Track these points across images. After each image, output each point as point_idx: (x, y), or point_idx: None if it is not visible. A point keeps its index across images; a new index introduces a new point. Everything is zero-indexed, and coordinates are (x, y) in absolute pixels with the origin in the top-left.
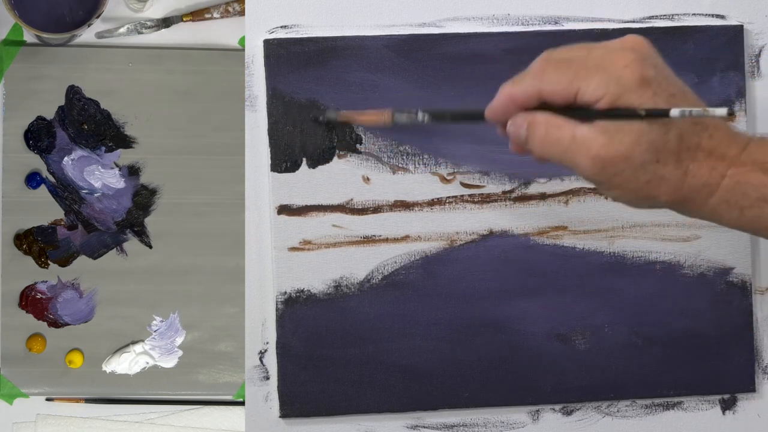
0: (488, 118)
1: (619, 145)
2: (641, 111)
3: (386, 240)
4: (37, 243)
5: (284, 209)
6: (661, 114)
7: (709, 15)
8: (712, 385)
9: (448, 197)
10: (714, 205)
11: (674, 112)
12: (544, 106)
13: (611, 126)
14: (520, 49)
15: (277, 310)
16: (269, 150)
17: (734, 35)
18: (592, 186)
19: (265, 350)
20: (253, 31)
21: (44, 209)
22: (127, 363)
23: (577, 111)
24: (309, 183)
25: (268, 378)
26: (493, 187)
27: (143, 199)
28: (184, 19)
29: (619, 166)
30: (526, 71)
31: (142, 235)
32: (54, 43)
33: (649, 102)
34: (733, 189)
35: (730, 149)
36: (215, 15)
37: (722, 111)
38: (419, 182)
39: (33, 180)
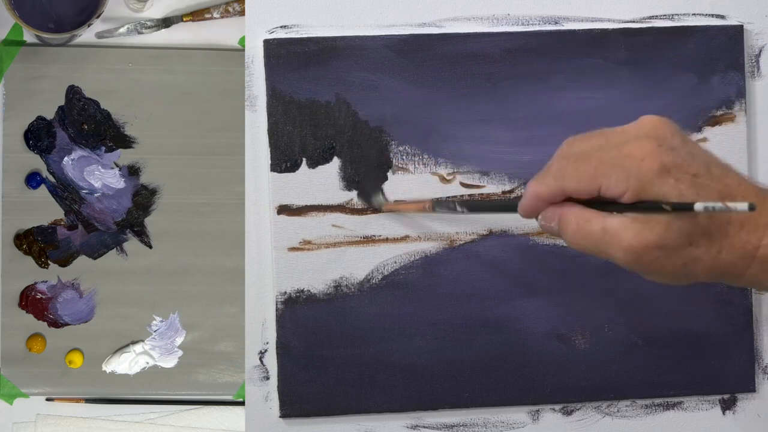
0: (521, 214)
1: (650, 234)
2: (666, 207)
3: (386, 240)
4: (37, 243)
5: (284, 209)
6: (685, 208)
7: (709, 15)
8: (712, 385)
9: (448, 197)
10: (753, 274)
11: (698, 206)
12: (571, 199)
13: (640, 215)
14: (520, 49)
15: (277, 310)
16: (269, 150)
17: (734, 35)
18: None
19: (265, 350)
20: (253, 31)
21: (44, 209)
22: (127, 363)
23: (604, 205)
24: (309, 183)
25: (268, 378)
26: (492, 187)
27: (143, 199)
28: (184, 19)
29: (653, 254)
30: (548, 169)
31: (142, 235)
32: (54, 43)
33: (672, 189)
34: None
35: (761, 218)
36: (215, 15)
37: (743, 206)
38: (419, 182)
39: (33, 180)
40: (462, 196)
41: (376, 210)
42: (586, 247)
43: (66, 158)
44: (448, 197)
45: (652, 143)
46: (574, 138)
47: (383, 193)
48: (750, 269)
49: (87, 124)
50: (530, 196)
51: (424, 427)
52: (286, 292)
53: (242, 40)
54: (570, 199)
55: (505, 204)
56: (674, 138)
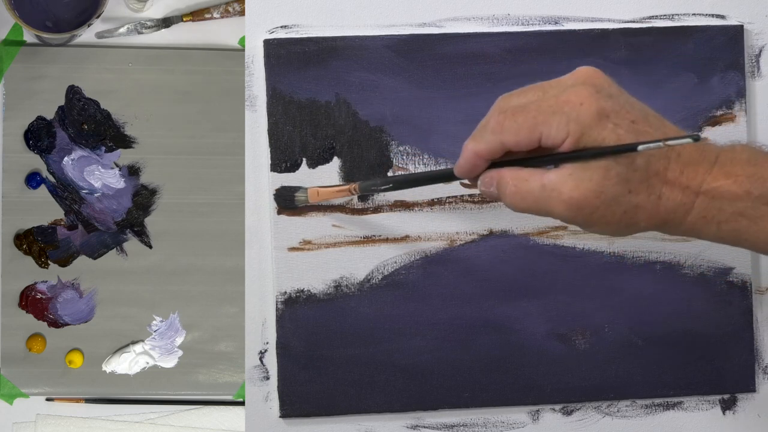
0: (458, 175)
1: (589, 183)
2: (607, 150)
3: (386, 240)
4: (37, 243)
5: (284, 209)
6: (629, 149)
7: (709, 15)
8: (712, 385)
9: (448, 197)
10: (692, 223)
11: (640, 148)
12: (510, 153)
13: (577, 167)
14: (520, 49)
15: (277, 310)
16: (269, 150)
17: (734, 35)
18: None
19: (265, 350)
20: (253, 31)
21: (44, 209)
22: (127, 363)
23: (544, 158)
24: (309, 183)
25: (268, 378)
26: None
27: (143, 199)
28: (184, 19)
29: (593, 203)
30: (485, 125)
31: (142, 235)
32: (54, 43)
33: (611, 134)
34: (707, 206)
35: (700, 166)
36: (215, 15)
37: (686, 141)
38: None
39: (33, 180)
40: (462, 195)
41: (302, 204)
42: (526, 207)
43: (66, 158)
44: (375, 177)
45: (589, 89)
46: (510, 94)
47: (303, 190)
48: (689, 217)
49: (87, 124)
50: (468, 155)
51: (424, 427)
52: (286, 292)
53: (242, 40)
54: (507, 158)
55: (438, 174)
56: (611, 87)
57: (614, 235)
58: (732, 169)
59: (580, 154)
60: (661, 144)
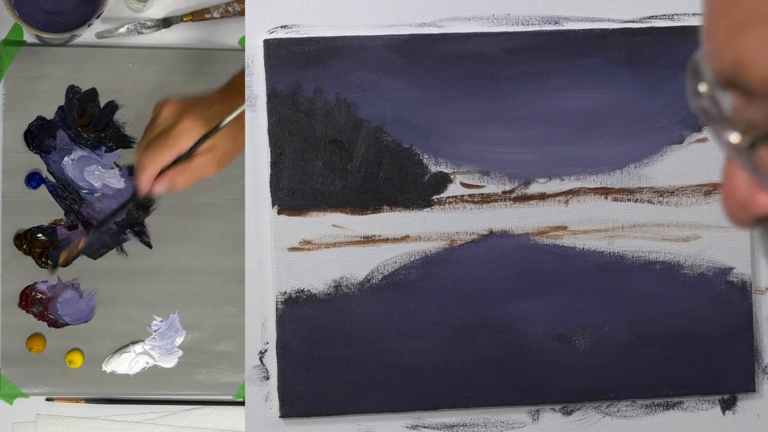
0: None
1: None
2: None
3: (386, 240)
4: (37, 243)
5: (284, 209)
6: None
7: None
8: (712, 385)
9: (448, 197)
10: None
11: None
12: None
13: None
14: (520, 49)
15: (277, 310)
16: (269, 150)
17: None
18: (591, 186)
19: (265, 350)
20: (253, 31)
21: (44, 209)
22: (127, 363)
23: None
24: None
25: (268, 378)
26: (493, 187)
27: (143, 199)
28: (184, 19)
29: None
30: None
31: (142, 235)
32: (54, 43)
33: None
34: None
35: None
36: (215, 15)
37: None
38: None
39: (33, 180)
40: (462, 195)
41: (58, 265)
42: None
43: (66, 158)
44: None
45: None
46: None
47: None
48: None
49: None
50: None
51: (424, 427)
52: (286, 292)
53: (242, 40)
54: None
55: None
56: None
57: None
58: None
59: None
60: None
